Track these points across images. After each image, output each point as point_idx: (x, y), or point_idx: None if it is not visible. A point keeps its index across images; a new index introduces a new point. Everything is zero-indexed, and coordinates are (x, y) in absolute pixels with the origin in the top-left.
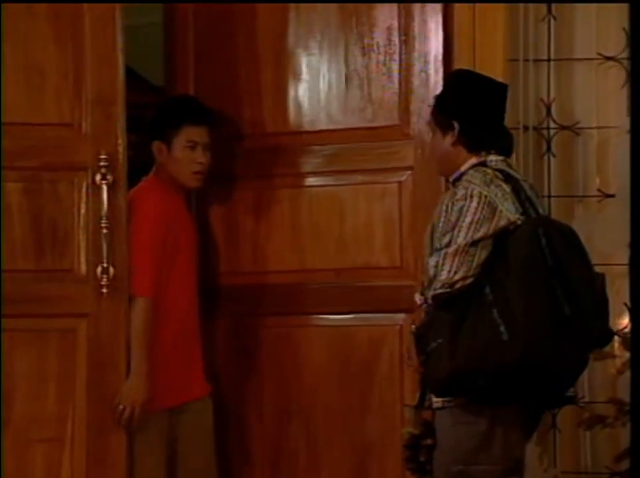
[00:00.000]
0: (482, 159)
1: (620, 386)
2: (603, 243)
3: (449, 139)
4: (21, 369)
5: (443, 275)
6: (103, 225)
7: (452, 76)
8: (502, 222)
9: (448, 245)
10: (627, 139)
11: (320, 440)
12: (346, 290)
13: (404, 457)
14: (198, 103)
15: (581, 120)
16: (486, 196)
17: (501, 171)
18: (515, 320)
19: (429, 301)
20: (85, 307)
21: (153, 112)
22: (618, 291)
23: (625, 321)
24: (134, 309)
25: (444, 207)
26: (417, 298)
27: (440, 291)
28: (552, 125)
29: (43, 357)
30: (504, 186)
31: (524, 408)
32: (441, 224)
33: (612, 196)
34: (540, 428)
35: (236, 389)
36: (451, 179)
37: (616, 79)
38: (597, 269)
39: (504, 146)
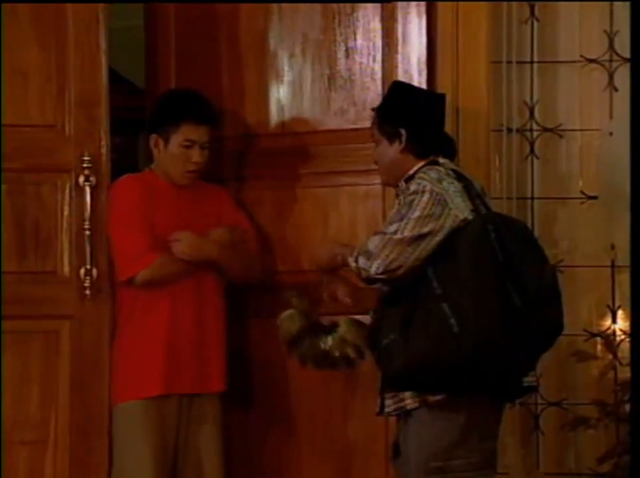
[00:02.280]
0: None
1: (603, 387)
2: (586, 245)
3: (396, 147)
4: (4, 371)
5: (380, 258)
6: (86, 227)
7: (393, 87)
8: (451, 219)
9: (394, 233)
10: (609, 141)
11: (303, 443)
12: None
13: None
14: (201, 100)
15: (564, 122)
16: (437, 193)
17: (453, 171)
18: (465, 313)
19: (358, 270)
20: (68, 308)
21: (154, 105)
22: (601, 293)
23: (608, 323)
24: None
25: (397, 201)
26: (352, 263)
27: (374, 275)
28: (535, 127)
29: (26, 359)
30: (456, 183)
31: (494, 400)
32: (392, 213)
33: (595, 198)
34: (524, 430)
35: None
36: (399, 183)
37: (599, 81)
38: (583, 271)
39: (449, 150)
